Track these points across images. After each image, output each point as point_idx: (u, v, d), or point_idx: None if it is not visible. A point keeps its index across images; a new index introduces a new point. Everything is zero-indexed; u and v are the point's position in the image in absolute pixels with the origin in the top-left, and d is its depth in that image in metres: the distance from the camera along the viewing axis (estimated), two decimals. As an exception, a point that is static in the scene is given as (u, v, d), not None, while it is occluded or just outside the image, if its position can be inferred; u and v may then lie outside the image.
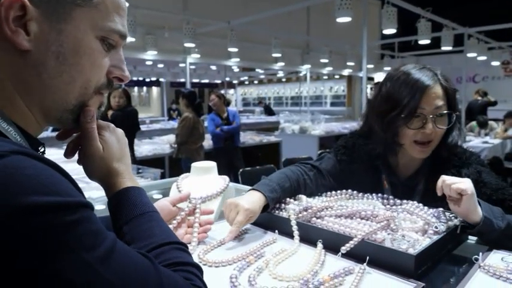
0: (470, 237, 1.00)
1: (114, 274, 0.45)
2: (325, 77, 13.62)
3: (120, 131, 0.70)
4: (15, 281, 0.40)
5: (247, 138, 6.13)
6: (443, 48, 5.36)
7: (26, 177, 0.42)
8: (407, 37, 6.61)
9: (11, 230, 0.40)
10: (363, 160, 1.22)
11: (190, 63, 6.80)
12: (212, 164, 1.33)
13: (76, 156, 0.68)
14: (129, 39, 4.51)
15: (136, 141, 4.82)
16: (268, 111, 12.97)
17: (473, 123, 6.45)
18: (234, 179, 4.00)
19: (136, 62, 9.80)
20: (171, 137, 5.21)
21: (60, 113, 0.58)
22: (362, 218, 0.96)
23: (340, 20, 3.46)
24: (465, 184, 0.90)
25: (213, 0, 6.19)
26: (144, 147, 4.90)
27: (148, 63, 9.42)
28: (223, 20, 5.40)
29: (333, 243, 0.87)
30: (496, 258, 0.85)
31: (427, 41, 4.75)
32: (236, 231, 0.95)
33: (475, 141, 5.66)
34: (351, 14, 3.38)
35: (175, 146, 4.57)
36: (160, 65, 10.82)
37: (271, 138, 6.40)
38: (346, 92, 13.09)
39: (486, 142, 5.55)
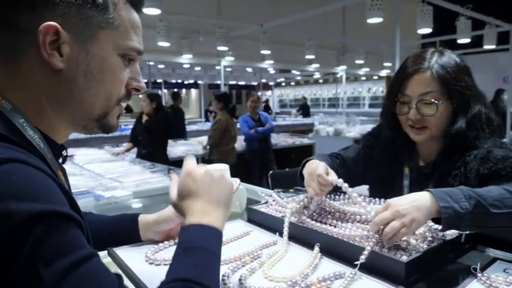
0: (478, 246, 0.97)
1: None
2: (363, 78, 13.32)
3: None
4: None
5: (280, 140, 6.15)
6: (486, 47, 5.07)
7: (10, 182, 0.46)
8: (446, 36, 6.32)
9: None
10: (385, 147, 1.26)
11: (225, 66, 6.93)
12: (225, 167, 1.37)
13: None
14: (165, 44, 4.72)
15: (171, 142, 4.98)
16: (305, 110, 12.68)
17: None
18: (266, 180, 4.03)
19: (174, 65, 10.14)
20: (204, 139, 5.35)
21: (86, 121, 0.66)
22: (362, 222, 0.96)
23: (370, 20, 3.39)
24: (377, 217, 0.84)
25: (246, 4, 6.26)
26: (179, 148, 5.06)
27: (186, 66, 9.68)
28: (256, 23, 5.46)
29: (330, 247, 0.88)
30: (498, 269, 0.83)
31: (466, 40, 4.53)
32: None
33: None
34: (381, 14, 3.30)
35: (208, 147, 4.68)
36: (198, 68, 11.09)
37: (304, 140, 6.37)
38: (384, 93, 12.70)
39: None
